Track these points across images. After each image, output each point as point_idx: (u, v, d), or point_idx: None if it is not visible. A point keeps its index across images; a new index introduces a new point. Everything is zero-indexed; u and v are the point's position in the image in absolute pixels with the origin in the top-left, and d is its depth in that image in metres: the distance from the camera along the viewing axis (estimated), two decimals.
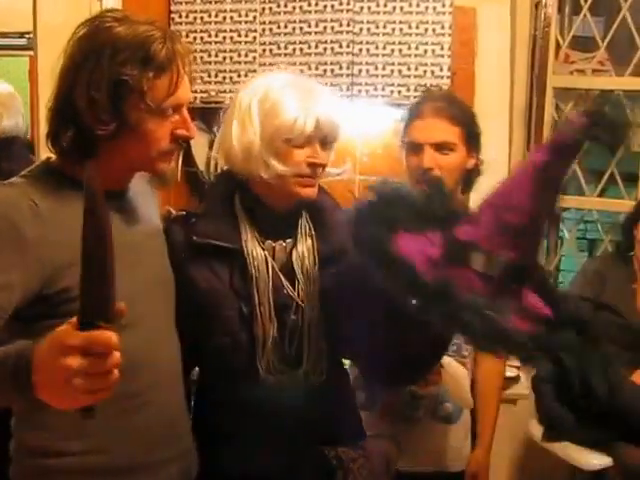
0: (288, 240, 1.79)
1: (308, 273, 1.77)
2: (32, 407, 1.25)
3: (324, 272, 1.78)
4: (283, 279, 1.76)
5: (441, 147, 2.13)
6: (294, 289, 1.76)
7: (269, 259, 1.75)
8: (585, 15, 3.32)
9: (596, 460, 2.86)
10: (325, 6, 3.10)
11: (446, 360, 2.16)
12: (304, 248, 1.79)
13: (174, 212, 1.84)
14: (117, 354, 1.09)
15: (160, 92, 1.51)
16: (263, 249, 1.76)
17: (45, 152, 2.78)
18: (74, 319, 1.09)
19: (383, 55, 3.09)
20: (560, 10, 3.39)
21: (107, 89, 1.47)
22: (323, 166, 1.76)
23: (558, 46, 3.34)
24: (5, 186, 1.51)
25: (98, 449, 1.56)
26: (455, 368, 2.21)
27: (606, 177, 3.44)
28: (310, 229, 1.82)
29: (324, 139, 1.74)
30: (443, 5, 3.07)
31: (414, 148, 2.14)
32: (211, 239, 1.73)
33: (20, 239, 1.42)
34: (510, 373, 2.86)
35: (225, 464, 1.80)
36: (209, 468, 1.81)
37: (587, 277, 3.16)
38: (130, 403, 1.59)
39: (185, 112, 1.56)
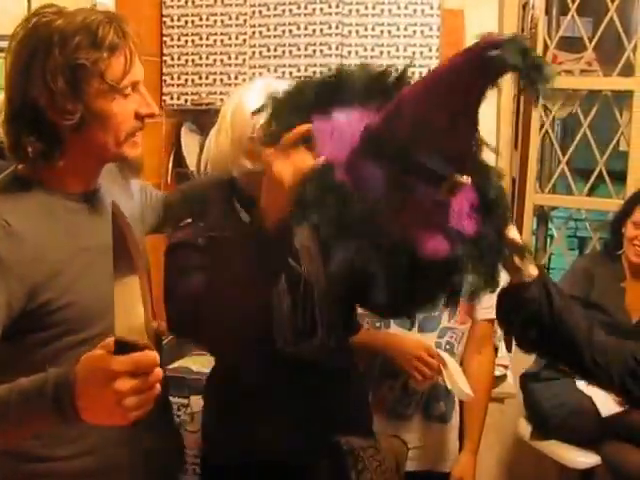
0: None
1: (310, 251, 1.79)
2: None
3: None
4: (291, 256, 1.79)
5: None
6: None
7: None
8: (573, 16, 3.36)
9: (584, 458, 2.90)
10: (314, 9, 3.11)
11: (445, 356, 2.19)
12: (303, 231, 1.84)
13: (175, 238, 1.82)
14: (158, 370, 1.11)
15: (117, 71, 1.47)
16: None
17: None
18: (105, 343, 1.10)
19: (372, 57, 3.11)
20: (547, 11, 3.42)
21: (65, 77, 1.43)
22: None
23: (546, 47, 3.37)
24: None
25: (83, 452, 1.56)
26: (454, 363, 2.23)
27: (594, 176, 3.47)
28: None
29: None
30: (431, 7, 3.08)
31: None
32: (219, 233, 1.75)
33: None
34: (497, 372, 2.87)
35: (238, 443, 1.85)
36: (225, 447, 1.88)
37: (575, 276, 3.19)
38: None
39: (143, 89, 1.53)
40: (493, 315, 2.35)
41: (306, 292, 1.81)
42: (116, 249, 1.13)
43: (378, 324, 2.25)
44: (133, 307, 1.10)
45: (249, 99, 1.76)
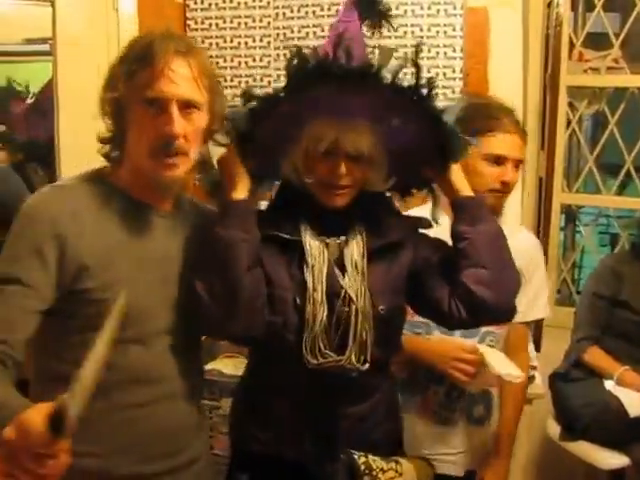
0: (342, 237, 1.86)
1: (356, 266, 1.84)
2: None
3: (374, 265, 1.86)
4: (336, 269, 1.83)
5: (518, 164, 2.21)
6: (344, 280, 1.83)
7: (324, 251, 1.83)
8: (599, 11, 3.32)
9: (613, 459, 2.87)
10: (337, 10, 3.10)
11: (484, 348, 2.16)
12: (354, 243, 1.86)
13: None
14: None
15: (141, 82, 1.54)
16: (319, 242, 1.84)
17: (65, 159, 2.86)
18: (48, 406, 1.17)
19: (396, 58, 3.09)
20: (573, 8, 3.39)
21: (105, 83, 1.59)
22: (353, 177, 1.80)
23: (572, 45, 3.34)
24: (55, 188, 1.61)
25: (95, 453, 1.59)
26: (495, 351, 2.19)
27: (622, 174, 3.44)
28: (362, 227, 1.88)
29: (346, 154, 1.77)
30: (454, 7, 3.08)
31: (495, 160, 2.17)
32: (277, 231, 1.81)
33: (60, 234, 1.50)
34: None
35: (260, 446, 1.87)
36: (244, 448, 1.90)
37: (602, 274, 3.16)
38: (134, 413, 1.62)
39: (172, 110, 1.56)
40: (528, 318, 2.37)
41: (343, 307, 1.81)
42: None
43: (419, 330, 2.22)
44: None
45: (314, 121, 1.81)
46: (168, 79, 1.55)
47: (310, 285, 1.79)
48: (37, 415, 1.15)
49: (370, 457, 1.85)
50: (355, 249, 1.86)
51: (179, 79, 1.56)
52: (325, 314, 1.79)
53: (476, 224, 1.84)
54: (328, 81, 1.67)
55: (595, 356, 3.04)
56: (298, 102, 1.73)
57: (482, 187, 2.12)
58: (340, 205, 1.82)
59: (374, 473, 1.84)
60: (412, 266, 1.92)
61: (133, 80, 1.55)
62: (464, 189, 1.87)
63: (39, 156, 3.36)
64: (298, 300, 1.79)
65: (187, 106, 1.58)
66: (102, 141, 1.66)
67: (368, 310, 1.82)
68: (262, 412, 1.88)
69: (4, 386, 1.37)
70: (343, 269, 1.84)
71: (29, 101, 3.54)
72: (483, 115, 2.22)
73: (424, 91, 1.71)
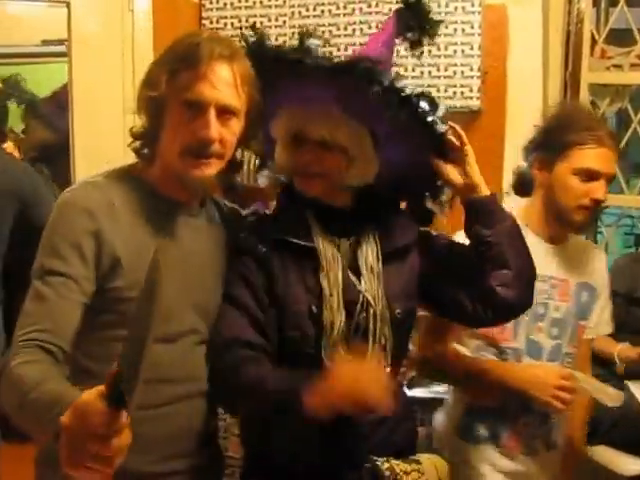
0: (352, 238, 1.84)
1: (372, 270, 1.81)
2: None
3: (387, 269, 1.84)
4: (351, 274, 1.80)
5: (610, 181, 2.14)
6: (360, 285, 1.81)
7: (337, 255, 1.80)
8: (622, 7, 3.25)
9: (634, 465, 2.82)
10: (354, 9, 3.10)
11: (576, 373, 2.14)
12: (367, 246, 1.83)
13: (243, 212, 1.93)
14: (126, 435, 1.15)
15: (181, 84, 1.56)
16: (332, 245, 1.81)
17: (80, 159, 2.87)
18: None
19: (412, 56, 3.06)
20: (595, 3, 3.33)
21: (143, 81, 1.62)
22: (327, 166, 1.79)
23: (594, 41, 3.28)
24: (89, 184, 1.61)
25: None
26: (585, 376, 2.19)
27: None
28: (372, 228, 1.87)
29: (313, 141, 1.78)
30: (472, 5, 3.05)
31: (587, 175, 2.09)
32: (287, 236, 1.78)
33: (98, 229, 1.52)
34: None
35: (281, 459, 1.82)
36: (263, 461, 1.85)
37: (619, 272, 3.12)
38: (157, 412, 1.63)
39: (210, 114, 1.57)
40: (597, 334, 2.36)
41: (362, 312, 1.80)
42: (142, 303, 1.16)
43: (507, 357, 2.17)
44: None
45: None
46: (209, 83, 1.56)
47: (327, 292, 1.76)
48: (92, 395, 1.13)
49: (393, 461, 1.83)
50: (370, 252, 1.83)
51: (220, 84, 1.57)
52: (343, 320, 1.76)
53: (495, 225, 1.82)
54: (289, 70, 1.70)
55: (600, 342, 2.98)
56: (269, 94, 1.72)
57: (570, 202, 2.09)
58: (314, 194, 1.80)
59: (398, 477, 1.81)
60: (423, 269, 1.91)
61: (175, 80, 1.56)
62: (478, 187, 1.87)
63: (50, 156, 3.38)
64: (314, 308, 1.76)
65: (225, 111, 1.59)
66: (134, 136, 1.67)
67: (386, 314, 1.81)
68: (280, 426, 1.79)
69: (57, 379, 1.37)
70: (357, 272, 1.81)
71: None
72: (576, 126, 2.12)
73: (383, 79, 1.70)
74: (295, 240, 1.78)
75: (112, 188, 1.60)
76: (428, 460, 1.91)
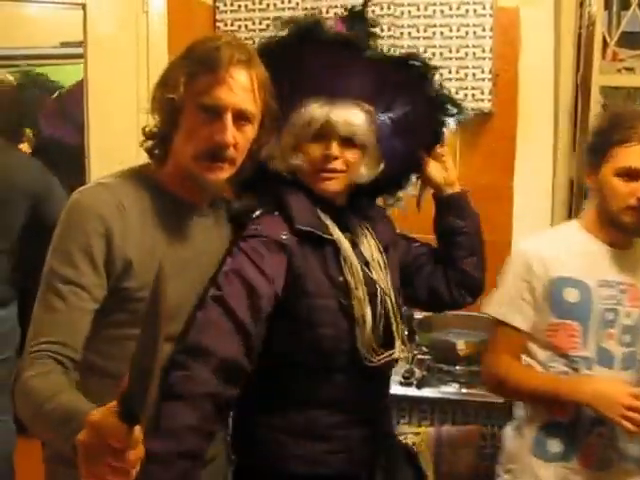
0: (346, 233, 1.85)
1: (379, 262, 1.86)
2: None
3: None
4: (364, 267, 1.83)
5: None
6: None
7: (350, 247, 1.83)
8: (634, 10, 3.25)
9: None
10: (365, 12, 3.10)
11: None
12: (366, 240, 1.88)
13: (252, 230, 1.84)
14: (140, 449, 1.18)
15: (200, 87, 1.56)
16: (347, 239, 1.83)
17: (95, 161, 2.89)
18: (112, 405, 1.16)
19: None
20: (607, 6, 3.33)
21: (158, 82, 1.62)
22: (346, 161, 1.81)
23: (605, 44, 3.28)
24: (100, 185, 1.60)
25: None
26: None
27: None
28: (365, 223, 1.91)
29: (339, 136, 1.79)
30: (484, 7, 3.05)
31: (629, 174, 2.05)
32: (312, 228, 1.77)
33: (109, 232, 1.52)
34: None
35: (304, 464, 1.81)
36: (283, 467, 1.82)
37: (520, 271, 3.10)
38: None
39: (227, 119, 1.58)
40: None
41: (382, 303, 1.83)
42: (149, 313, 1.16)
43: (578, 366, 2.12)
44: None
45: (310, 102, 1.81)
46: (228, 87, 1.57)
47: (352, 285, 1.78)
48: (106, 412, 1.16)
49: (403, 436, 1.95)
50: (371, 246, 1.87)
51: (238, 89, 1.58)
52: (370, 312, 1.79)
53: (468, 217, 2.05)
54: (314, 50, 1.74)
55: None
56: (288, 81, 1.74)
57: (616, 204, 2.07)
58: (333, 191, 1.82)
59: (416, 448, 1.91)
60: (402, 264, 2.00)
61: (193, 83, 1.57)
62: (454, 183, 2.05)
63: (57, 156, 3.41)
64: (343, 301, 1.77)
65: (241, 117, 1.60)
66: (147, 136, 1.68)
67: (399, 304, 1.89)
68: (306, 428, 1.81)
69: (69, 391, 1.39)
70: (366, 265, 1.84)
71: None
72: (619, 125, 2.10)
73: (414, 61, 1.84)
74: (319, 233, 1.77)
75: (123, 189, 1.60)
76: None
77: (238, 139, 1.60)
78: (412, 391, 2.88)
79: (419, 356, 3.14)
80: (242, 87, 1.59)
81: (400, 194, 2.13)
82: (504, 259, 3.44)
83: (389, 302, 1.84)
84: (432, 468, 2.14)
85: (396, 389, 2.86)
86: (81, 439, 1.18)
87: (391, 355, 1.82)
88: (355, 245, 1.84)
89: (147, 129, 1.68)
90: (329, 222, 1.81)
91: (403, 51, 2.96)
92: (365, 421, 1.85)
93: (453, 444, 2.76)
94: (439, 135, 2.03)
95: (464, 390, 2.89)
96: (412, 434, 2.08)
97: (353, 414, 1.82)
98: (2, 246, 3.26)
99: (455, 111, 1.96)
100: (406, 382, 2.91)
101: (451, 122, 2.00)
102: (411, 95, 1.91)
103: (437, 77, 1.91)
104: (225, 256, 1.72)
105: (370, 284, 1.81)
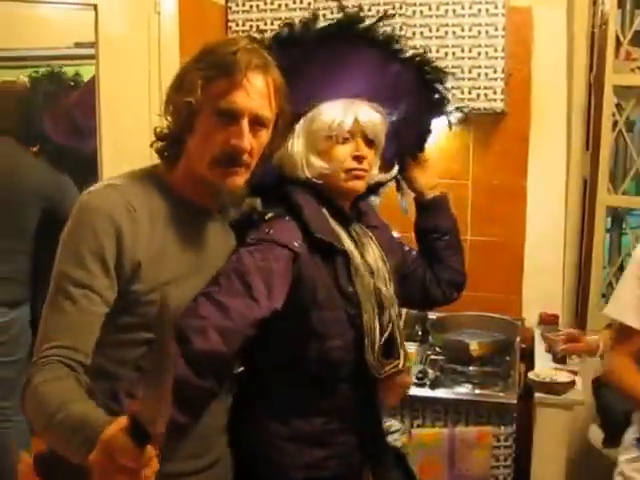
0: (353, 242, 1.83)
1: (383, 272, 1.85)
2: None
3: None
4: (371, 277, 1.81)
5: None
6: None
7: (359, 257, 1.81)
8: None
9: None
10: (377, 11, 3.09)
11: None
12: (370, 248, 1.85)
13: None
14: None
15: (217, 90, 1.55)
16: (355, 246, 1.81)
17: (108, 162, 2.89)
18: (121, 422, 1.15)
19: (436, 58, 3.05)
20: (620, 5, 3.31)
21: (174, 85, 1.60)
22: (369, 161, 1.80)
23: (619, 43, 3.26)
24: (109, 186, 1.58)
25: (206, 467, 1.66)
26: None
27: None
28: (367, 231, 1.89)
29: (366, 136, 1.79)
30: (496, 7, 3.03)
31: None
32: (327, 238, 1.75)
33: (119, 235, 1.49)
34: (566, 378, 2.81)
35: (309, 470, 1.80)
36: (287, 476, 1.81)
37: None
38: None
39: (244, 124, 1.57)
40: None
41: (387, 314, 1.82)
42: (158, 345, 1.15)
43: None
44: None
45: (325, 106, 1.79)
46: (245, 92, 1.56)
47: (363, 297, 1.76)
48: (117, 431, 1.14)
49: (390, 437, 1.96)
50: (377, 255, 1.86)
51: (255, 94, 1.57)
52: (378, 323, 1.78)
53: (451, 217, 2.12)
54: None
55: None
56: (291, 82, 1.70)
57: None
58: (360, 190, 1.82)
59: (406, 449, 1.93)
60: (398, 270, 1.99)
61: (209, 87, 1.55)
62: (436, 186, 2.09)
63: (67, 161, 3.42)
64: (351, 312, 1.75)
65: (257, 122, 1.59)
66: (158, 137, 1.67)
67: (400, 313, 1.89)
68: (308, 436, 1.80)
69: (80, 399, 1.36)
70: (371, 275, 1.82)
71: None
72: None
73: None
74: (335, 243, 1.75)
75: (132, 189, 1.58)
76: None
77: (253, 144, 1.59)
78: (425, 392, 2.88)
79: (432, 357, 3.15)
80: (259, 92, 1.58)
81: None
82: (517, 258, 3.48)
83: (393, 313, 1.83)
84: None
85: (409, 390, 2.86)
86: (93, 459, 1.17)
87: (397, 366, 1.81)
88: (361, 254, 1.82)
89: (158, 130, 1.67)
90: (341, 232, 1.79)
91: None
92: (361, 427, 1.84)
93: (467, 445, 2.75)
94: (425, 141, 2.08)
95: (477, 391, 2.88)
96: (400, 435, 2.10)
97: (352, 421, 1.82)
98: (19, 247, 3.28)
99: (453, 111, 2.02)
100: (419, 383, 2.91)
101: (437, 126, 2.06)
102: (413, 98, 1.93)
103: (445, 79, 1.95)
104: (231, 255, 1.69)
105: (377, 295, 1.80)
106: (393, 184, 2.12)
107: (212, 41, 1.63)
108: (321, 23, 1.81)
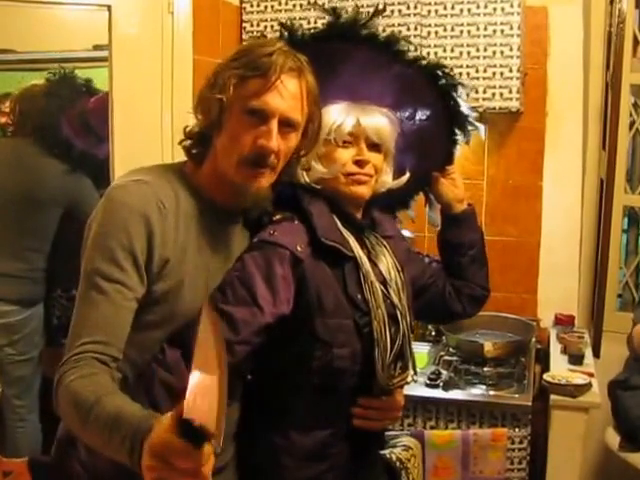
0: (364, 249, 1.80)
1: (396, 282, 1.81)
2: None
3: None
4: (382, 286, 1.78)
5: None
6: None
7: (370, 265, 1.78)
8: None
9: None
10: (392, 11, 3.09)
11: None
12: (386, 258, 1.83)
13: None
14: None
15: (249, 90, 1.55)
16: (365, 254, 1.78)
17: (120, 163, 2.90)
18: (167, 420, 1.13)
19: (451, 58, 3.07)
20: (638, 4, 3.28)
21: (208, 82, 1.59)
22: (374, 166, 1.77)
23: (636, 42, 3.24)
24: (140, 182, 1.56)
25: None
26: None
27: None
28: (381, 240, 1.86)
29: (369, 140, 1.76)
30: (511, 6, 3.01)
31: None
32: (337, 244, 1.72)
33: (151, 232, 1.49)
34: (582, 380, 2.79)
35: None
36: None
37: None
38: None
39: (273, 124, 1.56)
40: None
41: (399, 324, 1.79)
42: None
43: None
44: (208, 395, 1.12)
45: (327, 109, 1.76)
46: (277, 93, 1.55)
47: (373, 304, 1.73)
48: (169, 436, 1.10)
49: (395, 452, 2.01)
50: (390, 265, 1.83)
51: (287, 96, 1.57)
52: (389, 332, 1.74)
53: (476, 231, 2.07)
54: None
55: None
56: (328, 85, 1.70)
57: None
58: (362, 195, 1.77)
59: (405, 465, 2.00)
60: (416, 282, 1.97)
61: (242, 86, 1.55)
62: (464, 199, 2.05)
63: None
64: (359, 321, 1.71)
65: (287, 124, 1.58)
66: (188, 135, 1.66)
67: (411, 325, 1.84)
68: (310, 451, 1.76)
69: (114, 394, 1.35)
70: (383, 284, 1.79)
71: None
72: None
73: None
74: (343, 249, 1.72)
75: (162, 186, 1.57)
76: (411, 443, 2.15)
77: (281, 146, 1.58)
78: (439, 393, 2.86)
79: (446, 357, 3.14)
80: (291, 95, 1.57)
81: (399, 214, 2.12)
82: (533, 259, 3.46)
83: (405, 323, 1.79)
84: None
85: (422, 391, 2.85)
86: (147, 465, 1.14)
87: (405, 379, 1.79)
88: (374, 263, 1.79)
89: (188, 128, 1.66)
90: (351, 238, 1.75)
91: (432, 56, 3.02)
92: (357, 437, 1.79)
93: (481, 446, 2.73)
94: (452, 154, 2.03)
95: (492, 392, 2.86)
96: (401, 449, 2.07)
97: (350, 432, 1.77)
98: (36, 246, 3.32)
99: (472, 128, 1.97)
100: (432, 384, 2.90)
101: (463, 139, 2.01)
102: (431, 109, 1.91)
103: (461, 92, 1.91)
104: (237, 260, 1.66)
105: (388, 304, 1.76)
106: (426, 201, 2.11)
107: (249, 41, 1.63)
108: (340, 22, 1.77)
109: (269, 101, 1.54)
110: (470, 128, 1.95)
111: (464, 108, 1.91)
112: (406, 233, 2.13)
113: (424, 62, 1.82)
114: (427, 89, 1.86)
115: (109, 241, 1.48)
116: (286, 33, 1.78)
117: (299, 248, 1.66)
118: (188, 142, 1.66)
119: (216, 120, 1.58)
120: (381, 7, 1.95)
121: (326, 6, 3.19)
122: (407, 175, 1.91)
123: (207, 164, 1.63)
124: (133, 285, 1.48)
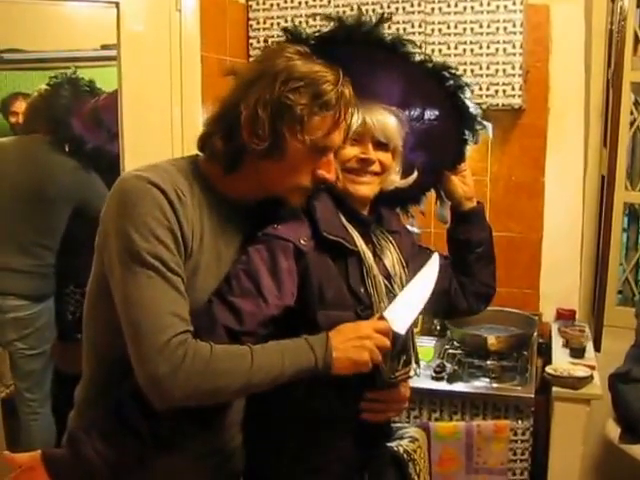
0: (369, 245, 1.81)
1: (400, 277, 1.83)
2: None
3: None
4: (386, 281, 1.79)
5: None
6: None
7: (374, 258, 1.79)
8: None
9: None
10: (397, 8, 3.12)
11: None
12: (391, 253, 1.85)
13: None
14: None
15: (317, 128, 1.55)
16: (369, 249, 1.79)
17: (130, 160, 2.92)
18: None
19: (455, 55, 3.10)
20: (639, 2, 3.32)
21: (272, 109, 1.52)
22: (381, 164, 1.78)
23: (637, 40, 3.27)
24: (157, 168, 1.56)
25: None
26: None
27: None
28: (387, 236, 1.88)
29: (375, 139, 1.77)
30: (514, 3, 3.05)
31: None
32: (339, 238, 1.73)
33: (174, 216, 1.49)
34: (583, 373, 2.83)
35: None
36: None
37: None
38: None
39: (332, 156, 1.61)
40: None
41: None
42: None
43: None
44: None
45: None
46: (341, 130, 1.59)
47: (376, 298, 1.74)
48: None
49: (404, 445, 2.00)
50: (395, 260, 1.85)
51: (344, 129, 1.62)
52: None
53: (485, 229, 2.08)
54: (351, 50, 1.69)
55: None
56: None
57: None
58: (364, 195, 1.78)
59: (412, 457, 2.00)
60: None
61: (310, 120, 1.54)
62: (474, 197, 2.06)
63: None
64: (363, 314, 1.71)
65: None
66: (223, 142, 1.60)
67: (416, 320, 1.84)
68: (310, 444, 1.77)
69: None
70: (388, 278, 1.80)
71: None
72: None
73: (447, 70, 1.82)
74: (345, 244, 1.73)
75: (177, 177, 1.57)
76: (417, 434, 2.14)
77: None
78: (443, 385, 2.91)
79: (450, 351, 3.18)
80: (347, 125, 1.63)
81: (411, 210, 2.13)
82: (535, 254, 3.50)
83: None
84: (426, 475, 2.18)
85: (427, 383, 2.89)
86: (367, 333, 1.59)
87: (407, 372, 1.81)
88: (378, 258, 1.81)
89: (218, 135, 1.61)
90: (355, 233, 1.76)
91: (435, 53, 3.05)
92: (362, 428, 1.80)
93: (485, 438, 2.77)
94: (463, 152, 2.01)
95: (495, 385, 2.91)
96: (408, 440, 2.08)
97: (356, 426, 1.79)
98: (46, 243, 3.35)
99: (480, 128, 1.95)
100: (437, 377, 2.94)
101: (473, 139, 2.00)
102: (439, 109, 1.91)
103: (469, 93, 1.89)
104: (241, 254, 1.66)
105: (392, 298, 1.75)
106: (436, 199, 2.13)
107: (293, 58, 1.57)
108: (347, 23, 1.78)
109: (335, 140, 1.59)
110: (478, 128, 1.95)
111: (472, 109, 1.90)
112: (413, 229, 2.13)
113: (430, 64, 1.80)
114: (434, 89, 1.85)
115: (148, 222, 1.46)
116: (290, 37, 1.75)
117: (302, 241, 1.67)
118: (220, 144, 1.60)
119: (273, 145, 1.55)
120: (387, 13, 1.95)
121: (332, 3, 3.24)
122: (415, 174, 1.92)
123: (244, 177, 1.62)
124: (178, 261, 1.49)
